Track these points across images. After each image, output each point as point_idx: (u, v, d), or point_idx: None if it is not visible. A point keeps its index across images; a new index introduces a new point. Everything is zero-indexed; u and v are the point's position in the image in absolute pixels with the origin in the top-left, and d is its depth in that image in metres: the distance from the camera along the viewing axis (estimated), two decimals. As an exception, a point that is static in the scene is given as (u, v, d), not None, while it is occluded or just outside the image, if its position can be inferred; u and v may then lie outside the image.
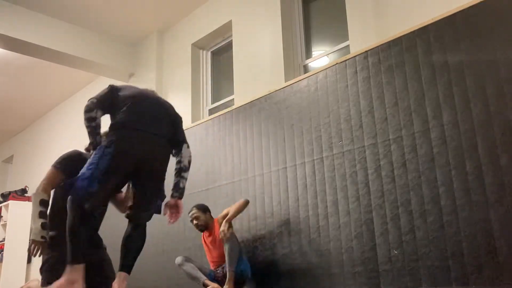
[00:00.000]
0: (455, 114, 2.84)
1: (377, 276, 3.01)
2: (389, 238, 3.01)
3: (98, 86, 7.47)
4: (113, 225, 3.23)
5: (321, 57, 4.52)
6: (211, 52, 5.92)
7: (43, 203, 2.60)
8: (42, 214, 2.56)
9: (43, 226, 2.52)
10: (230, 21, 5.29)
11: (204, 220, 3.89)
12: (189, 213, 3.91)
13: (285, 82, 4.23)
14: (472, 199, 2.68)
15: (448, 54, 2.94)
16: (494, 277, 2.52)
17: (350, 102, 3.43)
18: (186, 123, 5.34)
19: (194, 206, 3.95)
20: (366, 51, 3.40)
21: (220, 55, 5.91)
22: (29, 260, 8.16)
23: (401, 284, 2.89)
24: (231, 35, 5.34)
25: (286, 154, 3.80)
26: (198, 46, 5.87)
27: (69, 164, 2.70)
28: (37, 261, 8.15)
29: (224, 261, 3.66)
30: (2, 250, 7.98)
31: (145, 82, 6.29)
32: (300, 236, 3.55)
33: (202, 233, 3.94)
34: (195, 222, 3.89)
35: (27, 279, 8.09)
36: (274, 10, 4.73)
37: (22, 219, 8.19)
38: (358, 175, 3.27)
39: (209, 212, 3.96)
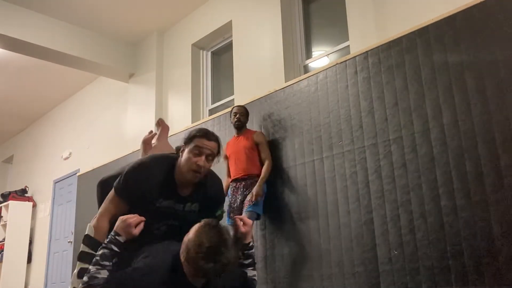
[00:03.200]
0: (455, 114, 2.84)
1: (377, 276, 3.01)
2: (389, 238, 3.00)
3: (98, 86, 7.49)
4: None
5: (321, 57, 4.52)
6: (211, 52, 5.92)
7: (89, 242, 1.91)
8: (82, 256, 1.89)
9: (79, 274, 1.84)
10: (230, 21, 5.29)
11: (244, 120, 3.93)
12: (232, 108, 3.99)
13: (285, 82, 4.23)
14: (472, 199, 2.68)
15: (448, 54, 2.94)
16: (494, 277, 2.52)
17: (350, 102, 3.43)
18: (186, 123, 5.35)
19: (239, 105, 4.02)
20: (366, 51, 3.40)
21: (220, 55, 5.91)
22: (29, 260, 8.17)
23: (401, 284, 2.89)
24: (231, 35, 5.34)
25: (286, 155, 3.80)
26: (198, 46, 5.87)
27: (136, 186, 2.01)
28: (38, 261, 8.19)
29: (247, 175, 3.68)
30: (2, 250, 7.98)
31: (145, 82, 6.30)
32: (300, 236, 3.55)
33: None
34: (237, 117, 3.91)
35: (27, 279, 8.09)
36: (274, 10, 4.73)
37: (22, 219, 8.20)
38: (358, 175, 3.27)
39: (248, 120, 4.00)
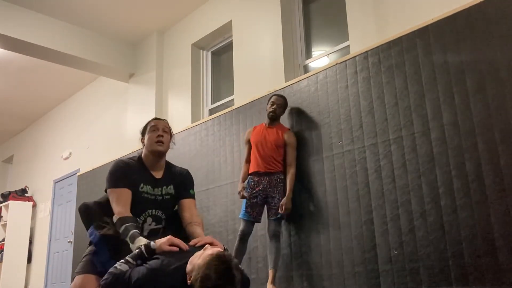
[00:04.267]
0: (455, 114, 2.84)
1: (377, 276, 3.01)
2: (389, 238, 3.00)
3: (98, 86, 7.48)
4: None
5: (321, 57, 4.52)
6: (211, 52, 5.92)
7: (123, 221, 2.13)
8: (123, 232, 2.10)
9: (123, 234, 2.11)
10: (230, 21, 5.29)
11: (280, 113, 3.68)
12: (271, 97, 3.74)
13: (285, 82, 4.23)
14: (472, 199, 2.68)
15: (448, 54, 2.94)
16: (494, 277, 2.52)
17: (350, 102, 3.43)
18: (186, 123, 5.35)
19: (278, 95, 3.76)
20: (366, 51, 3.40)
21: (220, 55, 5.91)
22: (29, 260, 8.17)
23: (401, 284, 2.89)
24: (231, 35, 5.34)
25: (286, 154, 3.80)
26: (198, 46, 5.87)
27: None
28: (38, 261, 8.18)
29: (270, 171, 3.52)
30: (2, 250, 7.98)
31: (145, 82, 6.30)
32: (300, 237, 3.55)
33: (251, 134, 3.76)
34: (274, 107, 3.64)
35: (27, 279, 8.10)
36: (274, 10, 4.73)
37: (22, 219, 8.20)
38: (358, 175, 3.27)
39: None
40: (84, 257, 2.26)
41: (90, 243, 2.26)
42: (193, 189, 2.45)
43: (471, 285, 2.59)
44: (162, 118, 2.52)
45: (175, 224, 2.36)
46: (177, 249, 1.90)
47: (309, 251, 3.46)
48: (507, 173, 2.57)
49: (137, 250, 1.91)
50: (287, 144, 3.60)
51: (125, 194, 2.22)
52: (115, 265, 1.84)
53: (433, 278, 2.75)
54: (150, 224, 2.32)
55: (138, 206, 2.25)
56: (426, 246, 2.82)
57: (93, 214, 2.28)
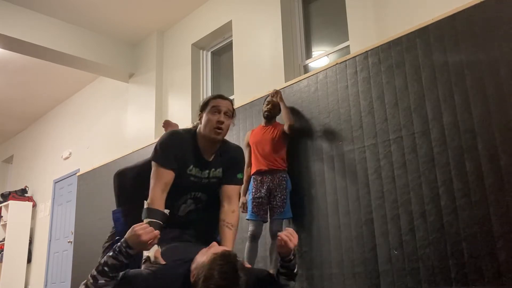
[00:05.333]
0: (455, 114, 2.84)
1: (377, 276, 3.01)
2: (389, 238, 3.00)
3: (98, 86, 7.48)
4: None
5: (321, 57, 4.52)
6: (211, 52, 5.92)
7: (150, 213, 1.98)
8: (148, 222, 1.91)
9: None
10: (230, 21, 5.29)
11: (275, 112, 3.70)
12: (266, 98, 3.76)
13: (285, 82, 4.23)
14: (472, 199, 2.68)
15: (448, 54, 2.94)
16: (494, 277, 2.52)
17: (350, 102, 3.43)
18: (186, 123, 5.35)
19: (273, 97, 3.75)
20: (366, 51, 3.40)
21: (220, 55, 5.91)
22: (29, 260, 8.18)
23: (401, 284, 2.89)
24: (231, 35, 5.34)
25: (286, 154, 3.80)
26: (198, 46, 5.87)
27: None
28: (38, 261, 8.18)
29: (272, 168, 3.50)
30: (2, 250, 7.98)
31: (145, 82, 6.30)
32: (300, 237, 3.55)
33: (251, 132, 3.79)
34: (269, 106, 3.68)
35: (27, 279, 8.09)
36: (274, 10, 4.73)
37: (22, 219, 8.20)
38: (358, 175, 3.27)
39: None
40: (105, 243, 2.19)
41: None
42: (242, 172, 2.30)
43: (471, 285, 2.59)
44: (226, 97, 2.23)
45: (214, 207, 2.21)
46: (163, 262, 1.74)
47: (309, 251, 3.46)
48: (507, 173, 2.57)
49: (112, 262, 1.63)
50: (285, 129, 3.58)
51: (168, 177, 2.05)
52: (98, 283, 1.61)
53: (433, 278, 2.75)
54: (189, 206, 2.20)
55: (182, 188, 2.11)
56: (426, 246, 2.82)
57: (125, 193, 2.17)
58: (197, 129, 2.19)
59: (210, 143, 2.16)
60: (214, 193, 2.22)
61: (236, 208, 2.18)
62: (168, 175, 2.05)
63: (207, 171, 2.18)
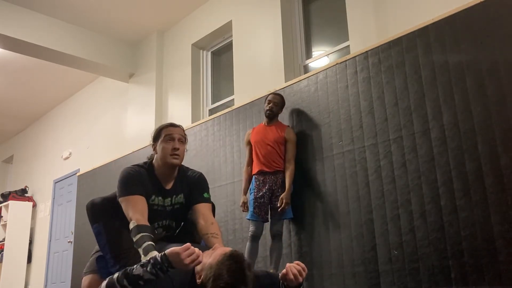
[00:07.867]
0: (455, 114, 2.84)
1: (377, 276, 3.01)
2: (389, 238, 3.00)
3: (98, 86, 7.48)
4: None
5: (321, 57, 4.52)
6: (211, 52, 5.92)
7: (139, 229, 1.99)
8: (137, 242, 1.97)
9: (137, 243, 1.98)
10: (230, 21, 5.30)
11: (277, 111, 3.65)
12: (268, 96, 3.74)
13: (285, 82, 4.23)
14: (472, 199, 2.68)
15: (448, 54, 2.94)
16: (494, 277, 2.52)
17: (350, 102, 3.43)
18: (186, 123, 5.35)
19: (275, 93, 3.74)
20: (366, 51, 3.40)
21: (220, 55, 5.91)
22: (29, 260, 8.18)
23: (401, 284, 2.89)
24: (231, 35, 5.34)
25: (286, 154, 3.80)
26: (198, 46, 5.87)
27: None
28: (38, 261, 8.18)
29: (275, 170, 3.49)
30: (2, 250, 7.98)
31: (145, 82, 6.30)
32: (300, 237, 3.55)
33: (251, 131, 3.76)
34: (270, 105, 3.63)
35: (27, 279, 8.09)
36: (274, 10, 4.73)
37: (22, 219, 8.20)
38: (358, 175, 3.27)
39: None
40: (91, 256, 2.23)
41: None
42: (208, 193, 2.29)
43: (471, 285, 2.59)
44: (177, 124, 2.32)
45: (186, 230, 2.31)
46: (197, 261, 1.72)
47: (309, 251, 3.46)
48: (507, 173, 2.57)
49: (152, 260, 1.69)
50: (287, 140, 3.59)
51: (142, 202, 2.08)
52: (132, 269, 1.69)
53: (433, 278, 2.75)
54: (160, 234, 2.25)
55: (149, 218, 2.09)
56: (426, 246, 2.82)
57: (99, 212, 2.21)
58: (153, 161, 2.26)
59: (168, 171, 2.23)
60: (182, 219, 2.33)
61: (213, 220, 2.18)
62: (141, 200, 2.09)
63: (169, 199, 2.24)
